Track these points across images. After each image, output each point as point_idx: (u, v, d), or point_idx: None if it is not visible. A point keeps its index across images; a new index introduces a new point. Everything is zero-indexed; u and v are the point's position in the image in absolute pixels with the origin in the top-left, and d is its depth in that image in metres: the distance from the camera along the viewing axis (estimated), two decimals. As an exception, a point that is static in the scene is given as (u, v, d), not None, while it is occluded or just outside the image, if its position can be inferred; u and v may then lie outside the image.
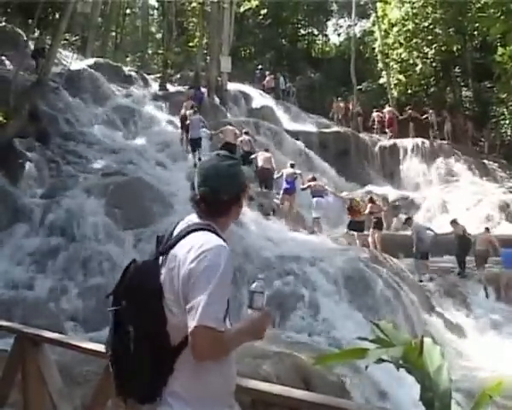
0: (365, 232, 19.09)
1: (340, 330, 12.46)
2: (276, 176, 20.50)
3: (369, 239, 19.07)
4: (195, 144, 21.20)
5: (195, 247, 2.66)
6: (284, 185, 19.63)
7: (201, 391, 2.71)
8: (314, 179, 19.74)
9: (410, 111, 33.52)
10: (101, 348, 4.49)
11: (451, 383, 2.28)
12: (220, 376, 2.76)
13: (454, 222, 18.97)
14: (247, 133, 22.48)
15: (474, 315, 16.43)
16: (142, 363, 2.68)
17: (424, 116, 33.29)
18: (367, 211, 19.37)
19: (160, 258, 2.82)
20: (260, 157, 20.89)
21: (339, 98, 36.99)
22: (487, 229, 19.70)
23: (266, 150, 21.97)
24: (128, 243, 14.83)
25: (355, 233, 18.97)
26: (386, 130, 33.56)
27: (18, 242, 14.56)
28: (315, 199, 19.05)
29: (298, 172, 20.13)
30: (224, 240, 2.76)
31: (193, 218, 2.88)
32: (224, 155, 2.96)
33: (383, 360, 2.30)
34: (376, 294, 13.96)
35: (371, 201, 19.70)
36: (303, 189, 19.65)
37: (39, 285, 13.08)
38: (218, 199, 2.83)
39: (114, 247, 14.56)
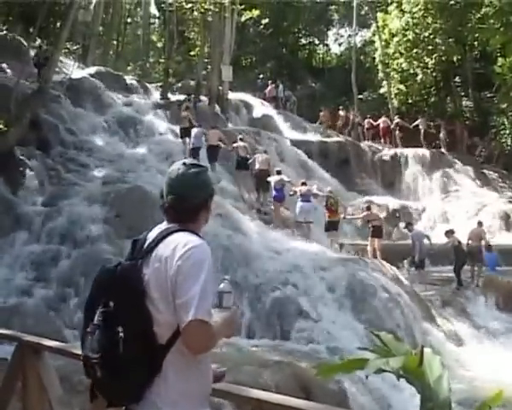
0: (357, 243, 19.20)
1: (340, 339, 12.47)
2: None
3: (368, 248, 19.11)
4: (195, 153, 21.31)
5: (180, 245, 2.74)
6: (273, 193, 19.83)
7: (188, 391, 2.76)
8: (304, 184, 19.79)
9: (397, 120, 33.73)
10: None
11: (451, 393, 2.29)
12: (201, 375, 2.83)
13: (449, 232, 18.92)
14: (242, 139, 22.59)
15: (474, 324, 16.42)
16: (131, 363, 2.70)
17: (413, 124, 33.40)
18: (362, 216, 19.55)
19: (139, 261, 2.86)
20: (258, 159, 21.13)
21: (340, 107, 37.00)
22: (480, 223, 19.68)
23: (265, 152, 22.27)
24: (128, 251, 14.81)
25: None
26: (381, 140, 33.79)
27: (18, 249, 14.56)
28: (300, 204, 19.14)
29: (285, 179, 20.28)
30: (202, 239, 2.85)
31: (163, 225, 2.96)
32: (190, 163, 3.04)
33: (383, 371, 2.31)
34: (377, 303, 13.97)
35: (368, 208, 19.76)
36: (291, 195, 19.79)
37: (39, 293, 13.08)
38: (185, 206, 2.92)
39: (115, 255, 14.54)
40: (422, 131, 32.86)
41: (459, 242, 18.52)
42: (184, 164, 3.01)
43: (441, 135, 33.09)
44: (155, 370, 2.73)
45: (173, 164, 3.10)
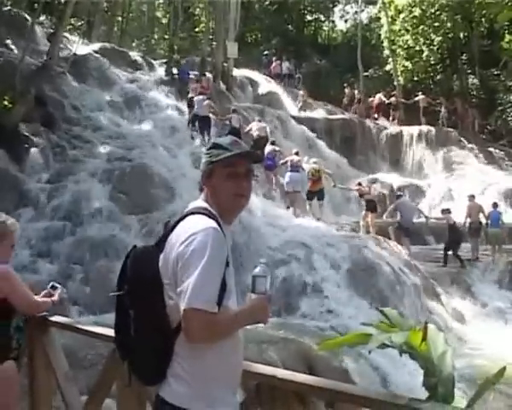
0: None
1: (344, 316, 12.51)
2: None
3: (361, 222, 19.26)
4: (203, 124, 21.53)
5: (184, 230, 2.72)
6: (265, 162, 19.93)
7: (201, 373, 2.73)
8: (297, 154, 19.87)
9: (393, 98, 33.65)
10: (106, 331, 4.53)
11: (455, 370, 2.30)
12: (221, 358, 2.78)
13: (445, 211, 18.88)
14: (235, 111, 23.00)
15: (479, 302, 16.45)
16: (143, 346, 2.75)
17: (412, 101, 33.29)
18: (353, 189, 20.14)
19: (156, 245, 2.88)
20: (255, 127, 21.56)
21: (344, 84, 36.87)
22: (473, 197, 19.63)
23: (259, 121, 22.65)
24: (133, 228, 14.88)
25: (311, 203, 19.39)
26: (375, 115, 33.78)
27: (23, 226, 14.56)
28: (288, 174, 19.23)
29: (277, 148, 20.70)
30: (219, 222, 2.77)
31: (196, 202, 2.92)
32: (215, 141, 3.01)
33: (387, 346, 2.32)
34: (381, 280, 13.99)
35: (359, 184, 19.89)
36: (282, 163, 19.95)
37: (45, 269, 13.14)
38: (202, 177, 2.94)
39: (119, 232, 14.60)
40: (422, 108, 32.73)
41: (454, 221, 18.43)
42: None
43: (442, 112, 32.87)
44: (170, 352, 2.74)
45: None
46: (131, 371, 2.88)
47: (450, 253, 18.14)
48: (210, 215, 2.78)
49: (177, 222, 2.82)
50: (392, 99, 33.73)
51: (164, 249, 2.81)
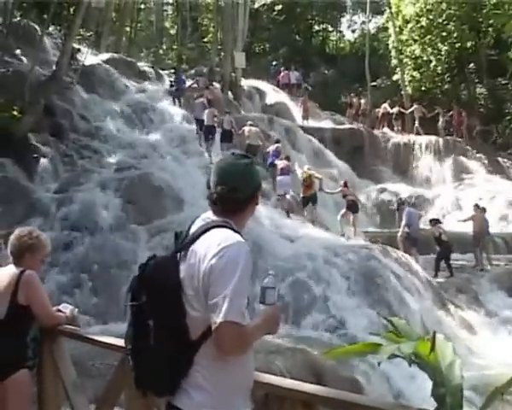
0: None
1: (352, 326, 12.46)
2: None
3: (338, 217, 19.58)
4: (207, 131, 21.89)
5: (215, 243, 2.70)
6: (270, 159, 20.92)
7: (224, 383, 2.75)
8: (287, 159, 20.23)
9: (395, 108, 33.67)
10: (115, 341, 4.55)
11: (463, 380, 2.30)
12: (242, 369, 2.81)
13: (433, 221, 18.75)
14: (228, 113, 23.22)
15: (487, 312, 16.37)
16: (162, 356, 2.73)
17: (408, 111, 33.31)
18: (337, 191, 20.24)
19: (178, 254, 2.86)
20: (246, 133, 21.95)
21: (351, 94, 36.84)
22: (477, 206, 19.51)
23: (251, 125, 22.61)
24: (141, 237, 14.90)
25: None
26: (380, 125, 33.82)
27: (32, 236, 14.61)
28: (278, 178, 19.61)
29: (280, 146, 21.69)
30: (242, 236, 2.80)
31: (209, 215, 2.91)
32: (239, 154, 3.01)
33: (396, 356, 2.33)
34: (389, 290, 13.95)
35: (345, 185, 20.14)
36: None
37: (54, 279, 13.15)
38: (235, 198, 2.87)
39: (128, 241, 14.61)
40: (417, 118, 32.66)
41: (440, 233, 18.21)
42: (233, 154, 2.98)
43: (439, 123, 32.74)
44: (187, 363, 2.74)
45: (221, 155, 3.09)
46: (140, 381, 2.86)
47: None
48: (234, 229, 2.81)
49: (200, 233, 2.81)
50: (395, 109, 33.66)
51: (185, 260, 2.81)
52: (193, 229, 2.91)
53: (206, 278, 2.68)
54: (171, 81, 28.87)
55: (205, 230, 2.81)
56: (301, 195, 19.61)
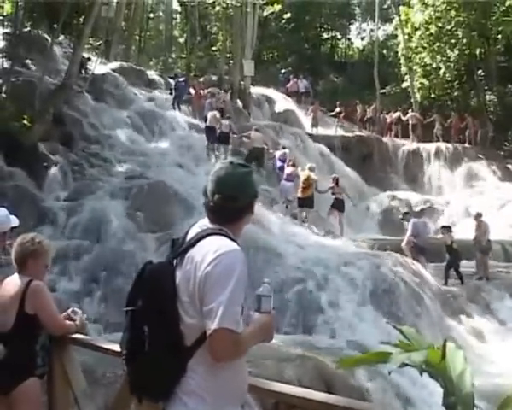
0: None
1: (362, 334, 12.42)
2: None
3: (328, 214, 20.03)
4: (209, 135, 22.58)
5: (212, 250, 2.71)
6: (278, 164, 21.72)
7: (218, 390, 2.76)
8: (293, 165, 20.51)
9: (397, 114, 33.66)
10: (125, 349, 4.54)
11: (474, 388, 2.28)
12: (235, 374, 2.83)
13: (444, 229, 18.52)
14: (229, 118, 23.71)
15: (498, 320, 16.28)
16: (156, 362, 2.74)
17: (405, 119, 33.23)
18: (327, 188, 20.13)
19: (175, 260, 2.88)
20: (252, 136, 22.44)
21: (357, 101, 36.75)
22: (480, 215, 19.19)
23: (256, 130, 23.05)
24: (150, 245, 14.91)
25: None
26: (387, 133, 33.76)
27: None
28: (282, 182, 20.29)
29: (287, 151, 22.30)
30: (238, 244, 2.81)
31: (206, 222, 2.93)
32: (237, 162, 3.02)
33: (406, 365, 2.32)
34: (399, 298, 13.90)
35: (336, 182, 20.16)
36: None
37: (63, 287, 13.18)
38: (232, 207, 2.89)
39: (137, 250, 14.62)
40: (411, 125, 32.67)
41: (451, 241, 18.03)
42: (231, 163, 2.98)
43: (435, 129, 32.70)
44: (183, 369, 2.75)
45: (218, 163, 3.07)
46: (135, 386, 2.89)
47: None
48: (230, 237, 2.82)
49: (197, 240, 2.82)
50: (395, 115, 33.62)
51: (181, 266, 2.82)
52: (189, 236, 2.92)
53: (201, 284, 2.69)
54: (170, 89, 28.93)
55: (201, 237, 2.82)
56: (298, 195, 19.58)
